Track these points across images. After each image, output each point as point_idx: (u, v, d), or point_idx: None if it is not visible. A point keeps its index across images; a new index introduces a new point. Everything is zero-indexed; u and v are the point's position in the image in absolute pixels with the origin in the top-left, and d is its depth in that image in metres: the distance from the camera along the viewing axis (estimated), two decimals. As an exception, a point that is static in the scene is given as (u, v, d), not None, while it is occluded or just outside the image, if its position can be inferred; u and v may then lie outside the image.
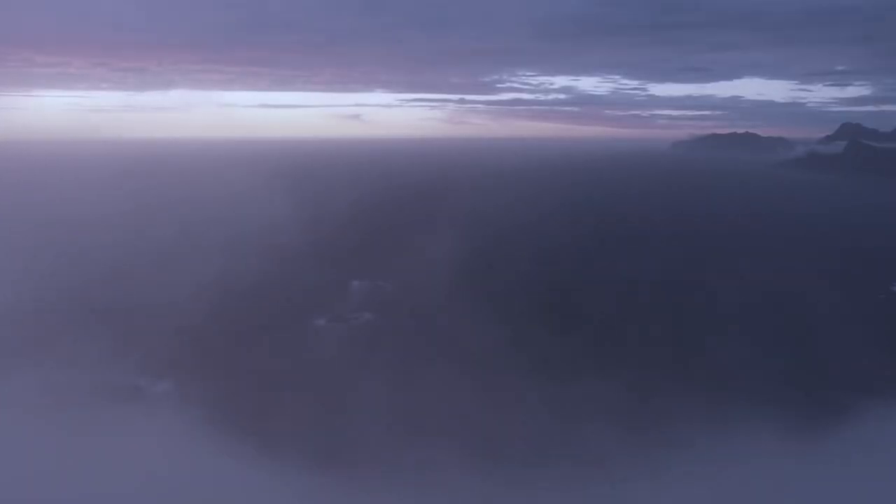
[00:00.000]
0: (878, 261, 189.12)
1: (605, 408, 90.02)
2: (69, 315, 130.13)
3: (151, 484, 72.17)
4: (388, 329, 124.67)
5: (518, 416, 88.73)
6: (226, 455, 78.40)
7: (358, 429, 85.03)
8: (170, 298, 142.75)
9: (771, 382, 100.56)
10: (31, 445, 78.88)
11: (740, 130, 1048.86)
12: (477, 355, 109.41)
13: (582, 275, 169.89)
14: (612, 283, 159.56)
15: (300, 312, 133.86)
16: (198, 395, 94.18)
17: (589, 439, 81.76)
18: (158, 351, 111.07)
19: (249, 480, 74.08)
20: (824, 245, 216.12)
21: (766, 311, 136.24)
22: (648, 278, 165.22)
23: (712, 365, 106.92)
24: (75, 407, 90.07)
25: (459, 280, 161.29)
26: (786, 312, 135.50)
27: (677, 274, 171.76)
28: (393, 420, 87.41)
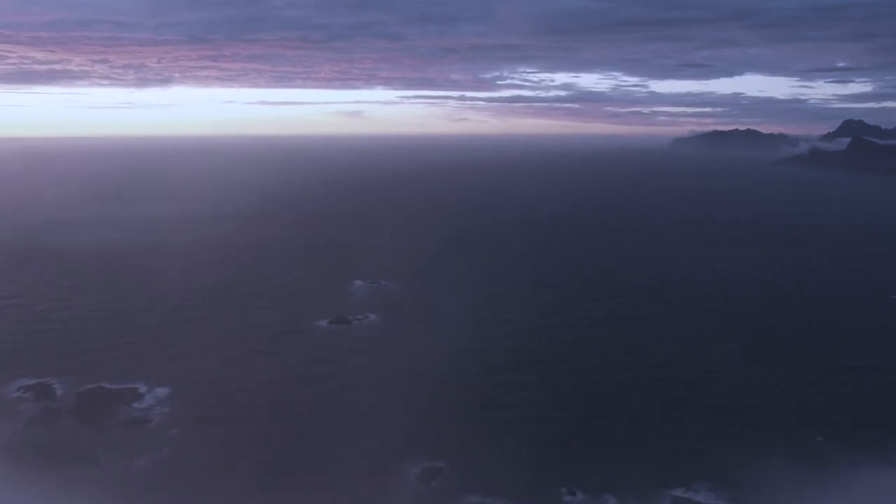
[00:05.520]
0: (884, 261, 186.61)
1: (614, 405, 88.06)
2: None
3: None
4: (393, 331, 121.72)
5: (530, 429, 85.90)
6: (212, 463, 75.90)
7: (360, 448, 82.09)
8: (170, 300, 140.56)
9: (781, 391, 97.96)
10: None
11: (741, 127, 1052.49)
12: (485, 358, 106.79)
13: (585, 272, 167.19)
14: (616, 283, 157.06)
15: (300, 313, 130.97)
16: (191, 403, 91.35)
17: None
18: (155, 355, 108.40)
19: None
20: (829, 246, 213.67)
21: (768, 314, 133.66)
22: (653, 277, 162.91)
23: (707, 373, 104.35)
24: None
25: (464, 278, 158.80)
26: (790, 315, 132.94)
27: (679, 278, 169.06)
28: (397, 433, 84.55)
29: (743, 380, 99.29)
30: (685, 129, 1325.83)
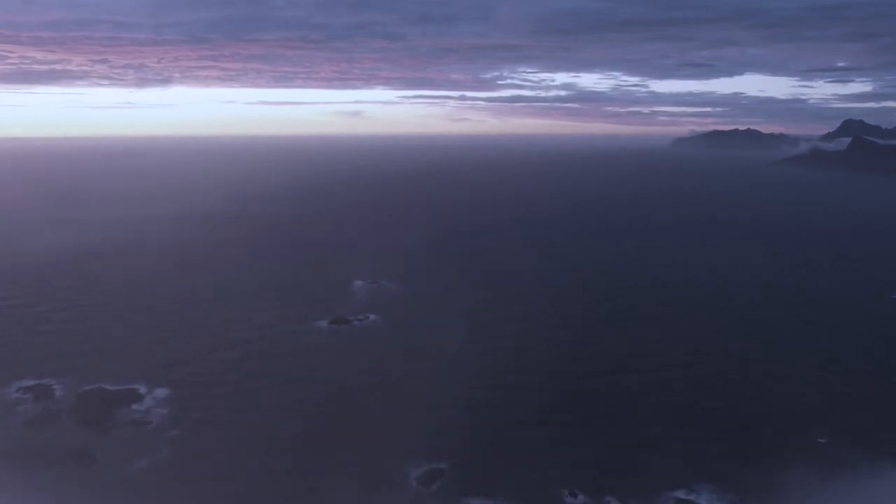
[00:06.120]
0: (884, 261, 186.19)
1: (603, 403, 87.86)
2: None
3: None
4: (393, 332, 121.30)
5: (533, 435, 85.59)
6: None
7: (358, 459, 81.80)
8: (169, 301, 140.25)
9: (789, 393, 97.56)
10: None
11: (742, 127, 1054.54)
12: (486, 359, 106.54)
13: (585, 272, 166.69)
14: (616, 283, 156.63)
15: (300, 314, 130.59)
16: (191, 405, 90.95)
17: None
18: (155, 356, 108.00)
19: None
20: (829, 246, 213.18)
21: (769, 315, 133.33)
22: (654, 278, 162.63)
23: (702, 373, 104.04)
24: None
25: (464, 278, 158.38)
26: (790, 315, 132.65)
27: (679, 278, 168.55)
28: (399, 443, 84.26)
29: (743, 381, 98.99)
30: (685, 128, 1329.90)
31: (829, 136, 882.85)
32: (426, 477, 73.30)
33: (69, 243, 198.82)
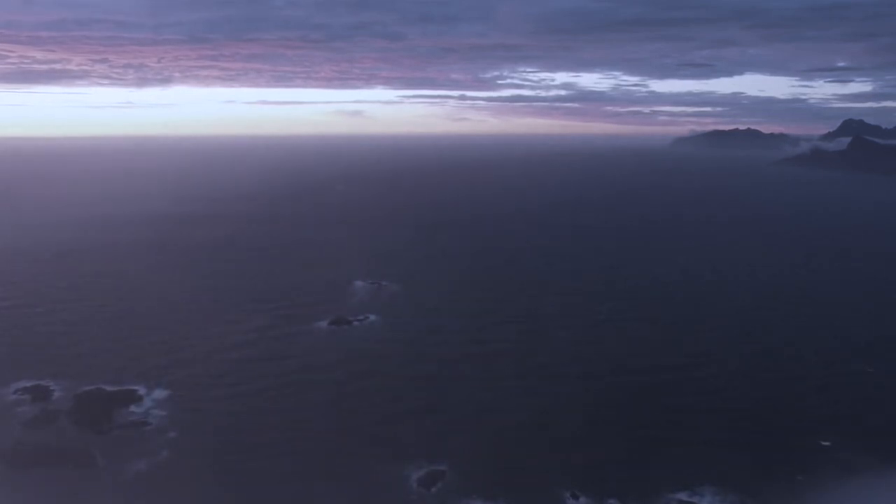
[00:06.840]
0: (884, 261, 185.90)
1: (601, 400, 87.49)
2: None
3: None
4: (393, 333, 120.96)
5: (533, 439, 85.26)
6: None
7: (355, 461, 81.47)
8: (169, 302, 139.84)
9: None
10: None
11: (742, 127, 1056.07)
12: (487, 361, 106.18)
13: (585, 272, 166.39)
14: (616, 283, 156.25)
15: (301, 314, 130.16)
16: (190, 406, 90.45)
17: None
18: (154, 357, 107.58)
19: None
20: (829, 246, 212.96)
21: (769, 315, 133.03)
22: (654, 278, 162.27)
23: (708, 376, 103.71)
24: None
25: (465, 279, 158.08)
26: (790, 316, 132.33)
27: (679, 278, 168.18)
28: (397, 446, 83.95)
29: (744, 382, 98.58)
30: (685, 128, 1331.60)
31: (829, 136, 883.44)
32: (427, 479, 72.97)
33: (69, 243, 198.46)
